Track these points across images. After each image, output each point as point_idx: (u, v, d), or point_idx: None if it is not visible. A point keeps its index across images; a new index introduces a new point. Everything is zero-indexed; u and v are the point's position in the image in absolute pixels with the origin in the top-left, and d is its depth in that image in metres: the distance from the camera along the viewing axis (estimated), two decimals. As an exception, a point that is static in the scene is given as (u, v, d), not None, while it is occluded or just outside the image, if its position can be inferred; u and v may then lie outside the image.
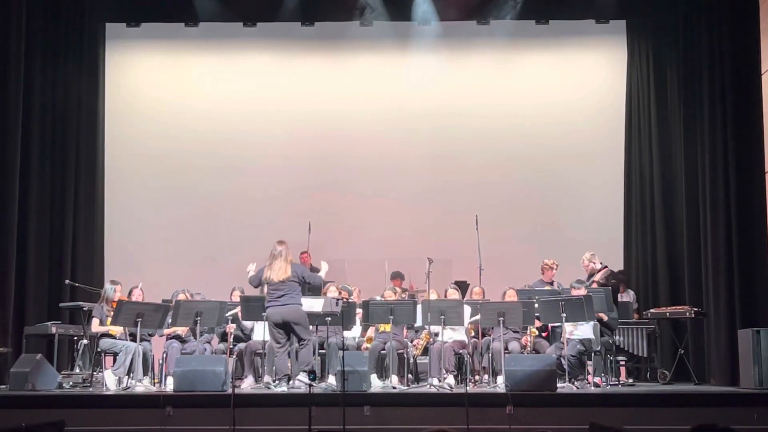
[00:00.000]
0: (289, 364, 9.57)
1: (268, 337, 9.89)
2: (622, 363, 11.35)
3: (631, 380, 11.18)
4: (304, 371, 9.23)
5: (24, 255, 11.57)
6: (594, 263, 11.59)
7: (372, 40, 13.56)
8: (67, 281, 11.68)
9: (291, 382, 9.41)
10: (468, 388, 9.26)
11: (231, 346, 10.37)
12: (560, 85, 13.78)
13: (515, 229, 13.38)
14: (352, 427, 8.21)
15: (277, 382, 9.48)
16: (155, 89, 13.87)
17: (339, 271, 12.69)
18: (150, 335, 10.29)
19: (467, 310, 10.25)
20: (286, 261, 9.61)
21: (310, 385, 8.15)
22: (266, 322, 9.79)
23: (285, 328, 9.48)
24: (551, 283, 11.50)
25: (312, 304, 9.64)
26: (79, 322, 10.95)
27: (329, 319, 9.62)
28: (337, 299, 9.83)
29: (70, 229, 12.40)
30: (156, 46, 13.85)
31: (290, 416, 8.44)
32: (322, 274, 9.95)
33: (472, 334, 10.55)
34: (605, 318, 10.35)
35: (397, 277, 12.24)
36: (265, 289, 9.86)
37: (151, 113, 13.77)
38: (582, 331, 10.05)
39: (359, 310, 10.46)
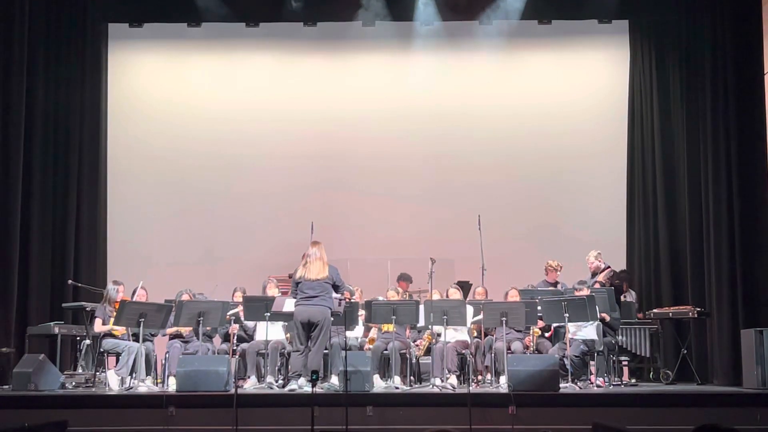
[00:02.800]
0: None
1: (270, 337, 9.89)
2: (625, 363, 11.36)
3: (633, 380, 11.17)
4: (308, 380, 9.20)
5: (27, 255, 11.58)
6: (600, 262, 11.58)
7: (374, 41, 13.54)
8: (69, 281, 11.67)
9: (300, 380, 9.36)
10: (471, 388, 9.27)
11: (234, 347, 10.38)
12: (563, 85, 13.77)
13: (518, 229, 13.37)
14: (354, 427, 8.23)
15: (288, 380, 9.46)
16: (158, 89, 13.87)
17: (341, 271, 12.68)
18: (153, 335, 10.30)
19: (470, 310, 10.25)
20: (323, 262, 9.55)
21: (313, 386, 8.13)
22: (268, 322, 9.82)
23: (308, 329, 9.42)
24: (555, 284, 11.49)
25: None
26: (81, 322, 10.95)
27: (332, 319, 9.62)
28: (340, 299, 9.83)
29: (73, 230, 12.40)
30: (159, 46, 13.85)
31: (293, 416, 8.45)
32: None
33: (475, 334, 10.56)
34: (608, 318, 10.35)
35: (403, 279, 12.17)
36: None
37: (154, 113, 13.77)
38: (585, 332, 10.04)
39: (362, 311, 10.46)
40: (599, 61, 13.88)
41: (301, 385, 9.23)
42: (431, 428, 8.21)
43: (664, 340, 11.61)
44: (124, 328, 9.85)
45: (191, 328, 10.25)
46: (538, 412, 8.61)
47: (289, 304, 9.61)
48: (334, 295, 9.86)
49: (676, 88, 12.63)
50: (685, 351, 11.27)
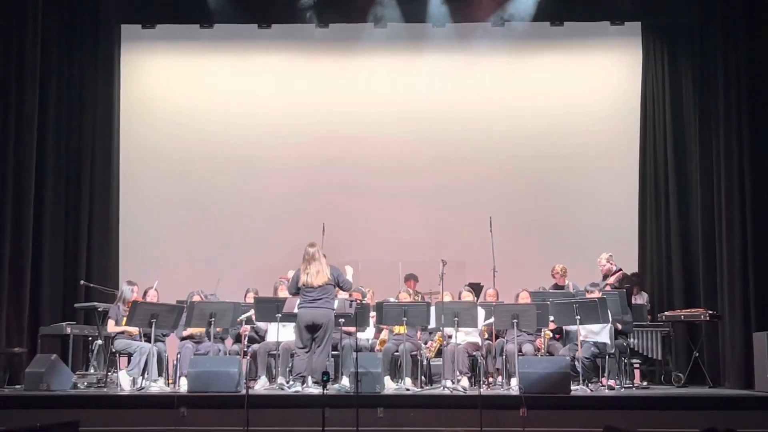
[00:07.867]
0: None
1: (282, 338, 9.90)
2: (637, 366, 11.31)
3: (645, 383, 11.12)
4: (315, 382, 9.21)
5: (39, 256, 11.63)
6: (611, 264, 11.55)
7: (386, 42, 13.53)
8: (82, 282, 11.72)
9: (305, 383, 9.39)
10: (482, 390, 9.26)
11: (245, 348, 10.40)
12: (575, 87, 13.73)
13: (529, 230, 13.34)
14: (365, 428, 8.23)
15: (291, 382, 9.48)
16: (170, 91, 13.89)
17: (354, 272, 12.68)
18: (165, 335, 10.32)
19: (481, 312, 10.24)
20: (322, 263, 9.51)
21: (324, 387, 8.13)
22: (279, 323, 9.85)
23: (312, 331, 9.43)
24: (564, 287, 11.49)
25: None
26: (93, 322, 10.98)
27: (343, 320, 9.62)
28: (351, 301, 9.83)
29: (85, 230, 12.45)
30: (171, 47, 13.86)
31: (304, 417, 8.46)
32: (349, 278, 9.91)
33: (486, 336, 10.54)
34: (620, 327, 10.34)
35: (410, 278, 12.23)
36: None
37: (166, 114, 13.80)
38: (597, 335, 10.02)
39: (373, 312, 10.47)
40: (611, 63, 13.84)
41: (304, 388, 9.25)
42: (442, 430, 8.23)
43: (675, 342, 11.57)
44: (137, 328, 9.89)
45: (203, 329, 10.27)
46: (549, 415, 8.61)
47: (300, 306, 9.62)
48: (341, 295, 9.85)
49: (688, 90, 12.60)
50: (697, 354, 11.23)
